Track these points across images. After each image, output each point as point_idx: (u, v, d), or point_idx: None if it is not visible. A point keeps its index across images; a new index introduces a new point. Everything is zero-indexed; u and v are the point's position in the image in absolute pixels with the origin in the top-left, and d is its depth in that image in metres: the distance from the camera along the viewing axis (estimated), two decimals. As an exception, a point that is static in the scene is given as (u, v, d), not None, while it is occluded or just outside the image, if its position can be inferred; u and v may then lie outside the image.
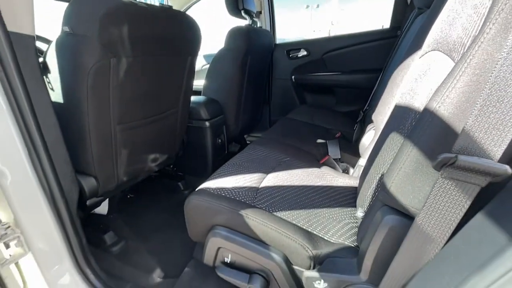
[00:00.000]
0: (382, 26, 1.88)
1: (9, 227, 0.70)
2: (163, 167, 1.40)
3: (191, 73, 1.20)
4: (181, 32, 1.03)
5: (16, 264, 0.73)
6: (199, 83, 1.83)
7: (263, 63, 1.88)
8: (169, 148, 1.31)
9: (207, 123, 1.45)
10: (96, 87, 0.80)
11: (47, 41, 1.28)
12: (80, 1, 0.72)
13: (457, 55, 0.47)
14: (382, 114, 0.89)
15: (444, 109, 0.40)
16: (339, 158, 1.15)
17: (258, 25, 1.90)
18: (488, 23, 0.37)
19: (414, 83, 0.62)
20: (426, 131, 0.43)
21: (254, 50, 1.58)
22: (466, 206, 0.38)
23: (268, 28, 2.01)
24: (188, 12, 2.12)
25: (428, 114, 0.43)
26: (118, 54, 0.79)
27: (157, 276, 0.95)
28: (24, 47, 0.62)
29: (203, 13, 2.26)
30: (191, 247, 1.05)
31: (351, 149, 1.23)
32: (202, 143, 1.49)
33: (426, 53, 0.66)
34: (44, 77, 0.78)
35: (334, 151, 1.16)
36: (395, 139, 0.58)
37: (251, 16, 1.68)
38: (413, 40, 0.86)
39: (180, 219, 0.79)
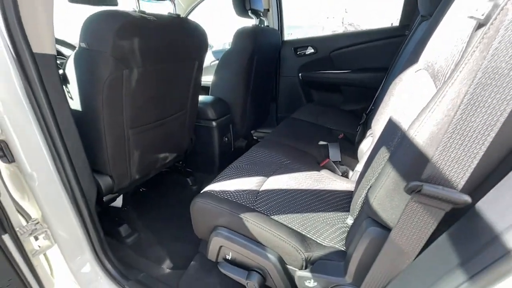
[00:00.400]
0: (392, 24, 1.85)
1: (38, 222, 0.79)
2: (173, 164, 1.48)
3: (198, 76, 1.25)
4: (188, 39, 1.08)
5: (44, 254, 0.84)
6: (207, 79, 1.89)
7: (270, 61, 1.90)
8: (178, 147, 1.39)
9: (214, 123, 1.51)
10: (110, 96, 0.87)
11: (72, 47, 1.36)
12: (95, 19, 0.78)
13: (439, 83, 0.50)
14: (378, 123, 0.92)
15: (419, 138, 0.44)
16: (339, 161, 1.19)
17: (266, 24, 1.91)
18: (461, 62, 0.40)
19: (405, 101, 0.65)
20: (404, 156, 0.47)
21: (260, 50, 1.61)
22: (433, 227, 0.42)
23: (276, 26, 2.01)
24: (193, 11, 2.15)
25: (406, 140, 0.47)
26: (130, 66, 0.86)
27: (166, 267, 1.05)
28: (47, 65, 0.69)
29: (206, 11, 2.28)
30: (197, 240, 1.14)
31: (352, 152, 1.26)
32: (210, 141, 1.56)
33: (419, 70, 0.69)
34: (64, 86, 0.85)
35: (334, 154, 1.20)
36: (383, 155, 0.62)
37: (258, 16, 1.70)
38: (413, 51, 0.88)
39: (187, 213, 0.86)
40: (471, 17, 0.38)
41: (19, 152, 0.70)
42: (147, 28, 0.86)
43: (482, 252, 0.32)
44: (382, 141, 0.70)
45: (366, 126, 1.35)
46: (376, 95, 1.43)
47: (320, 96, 2.12)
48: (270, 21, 1.98)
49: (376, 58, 1.82)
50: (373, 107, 1.46)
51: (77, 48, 0.82)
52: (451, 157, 0.38)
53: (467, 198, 0.38)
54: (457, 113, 0.36)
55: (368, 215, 0.57)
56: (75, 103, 0.89)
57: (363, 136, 1.29)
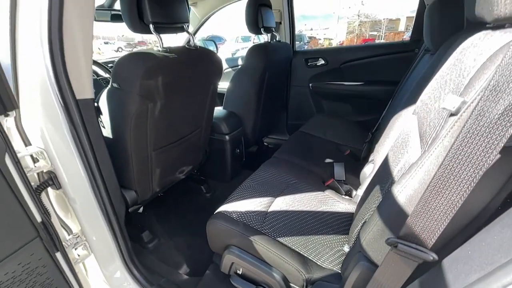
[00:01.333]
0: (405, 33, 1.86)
1: (78, 236, 0.93)
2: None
3: (213, 97, 1.35)
4: (206, 67, 1.18)
5: (83, 263, 0.98)
6: (222, 86, 1.97)
7: (282, 74, 1.97)
8: (194, 160, 1.51)
9: (227, 137, 1.61)
10: (137, 126, 0.99)
11: (108, 70, 1.52)
12: (123, 63, 0.89)
13: (423, 145, 0.57)
14: (379, 152, 0.99)
15: (402, 197, 0.53)
16: (343, 180, 1.27)
17: (277, 38, 1.96)
18: (436, 141, 0.48)
19: (399, 146, 0.73)
20: (388, 210, 0.55)
21: (272, 66, 1.68)
22: (409, 273, 0.51)
23: (287, 38, 2.06)
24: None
25: (391, 197, 0.55)
26: (154, 100, 0.97)
27: (183, 272, 1.18)
28: (87, 107, 0.80)
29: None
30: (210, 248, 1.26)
31: (356, 170, 1.33)
32: (223, 153, 1.67)
33: (414, 113, 0.76)
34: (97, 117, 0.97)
35: (339, 173, 1.28)
36: (376, 195, 0.70)
37: (270, 31, 1.76)
38: (415, 87, 0.93)
39: (201, 220, 0.97)
40: (444, 108, 0.45)
41: (64, 180, 0.83)
42: (169, 65, 0.97)
43: (437, 306, 0.41)
44: (377, 179, 0.78)
45: (371, 144, 1.41)
46: (383, 113, 1.48)
47: (329, 106, 2.18)
48: (282, 34, 2.04)
49: (385, 72, 1.85)
50: (381, 121, 1.51)
51: (109, 87, 0.94)
52: (422, 222, 0.46)
53: (434, 256, 0.46)
54: (428, 188, 0.44)
55: (360, 250, 0.66)
56: (106, 131, 1.02)
57: (368, 153, 1.36)
